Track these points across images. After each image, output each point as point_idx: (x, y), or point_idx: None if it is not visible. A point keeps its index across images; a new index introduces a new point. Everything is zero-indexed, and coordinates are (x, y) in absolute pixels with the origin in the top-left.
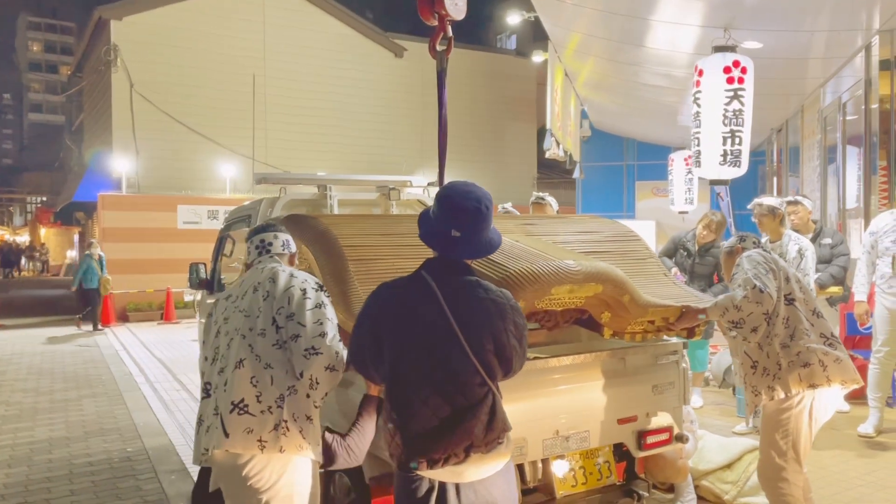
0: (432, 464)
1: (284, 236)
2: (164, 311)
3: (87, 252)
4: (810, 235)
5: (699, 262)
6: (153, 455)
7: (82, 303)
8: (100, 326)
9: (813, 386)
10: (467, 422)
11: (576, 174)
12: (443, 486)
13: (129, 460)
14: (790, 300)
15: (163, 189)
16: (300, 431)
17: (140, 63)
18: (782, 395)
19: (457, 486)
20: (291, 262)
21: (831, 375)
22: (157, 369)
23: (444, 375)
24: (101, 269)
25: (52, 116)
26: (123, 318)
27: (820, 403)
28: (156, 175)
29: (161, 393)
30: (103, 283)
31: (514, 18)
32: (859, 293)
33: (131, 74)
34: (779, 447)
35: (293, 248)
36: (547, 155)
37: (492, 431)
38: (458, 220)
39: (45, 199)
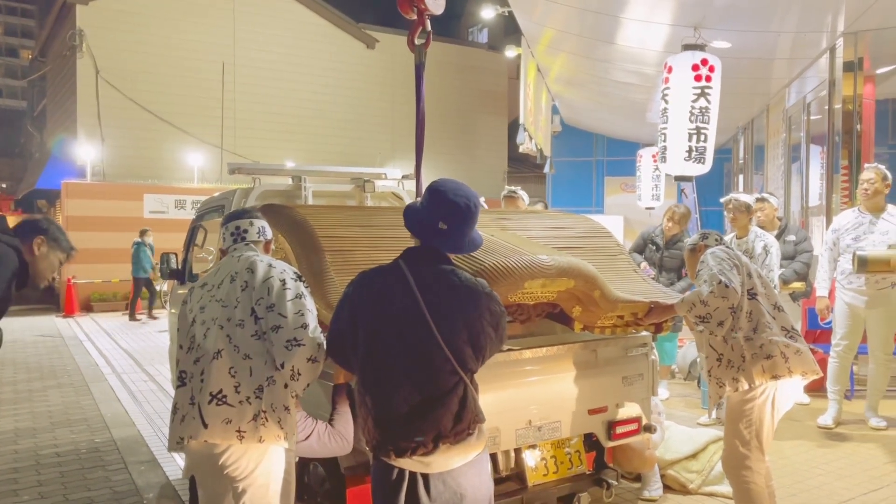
0: (400, 452)
1: (260, 223)
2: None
3: (138, 240)
4: (775, 232)
5: (667, 254)
6: (122, 446)
7: (134, 291)
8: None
9: (776, 377)
10: (436, 411)
11: (546, 169)
12: (413, 475)
13: (97, 451)
14: (752, 294)
15: (129, 178)
16: (278, 422)
17: (106, 49)
18: (746, 387)
19: (426, 477)
20: (267, 250)
21: (792, 367)
22: (123, 360)
23: (415, 363)
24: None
25: (12, 101)
26: (87, 308)
27: (782, 394)
28: (122, 163)
29: (128, 384)
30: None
31: (487, 12)
32: (821, 289)
33: (97, 60)
34: (743, 437)
35: (269, 234)
36: (520, 149)
37: (461, 422)
38: (446, 213)
39: (4, 186)
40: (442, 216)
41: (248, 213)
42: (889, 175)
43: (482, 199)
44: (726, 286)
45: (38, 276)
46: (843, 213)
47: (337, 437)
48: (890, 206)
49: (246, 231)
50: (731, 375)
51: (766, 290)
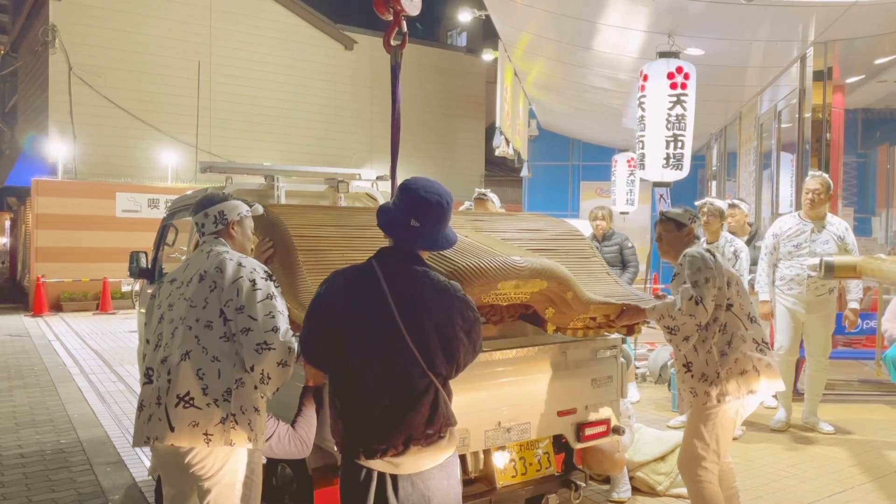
0: (370, 454)
1: (216, 210)
2: (100, 300)
3: None
4: (745, 238)
5: (606, 251)
6: (88, 447)
7: None
8: None
9: (751, 392)
10: (407, 413)
11: (524, 172)
12: (382, 476)
13: (62, 452)
14: (729, 306)
15: (101, 176)
16: (248, 423)
17: (79, 45)
18: (716, 402)
19: (395, 478)
20: (231, 234)
21: (764, 380)
22: (92, 360)
23: (383, 364)
24: None
25: None
26: (57, 307)
27: (748, 404)
28: (94, 161)
29: (96, 384)
30: None
31: (465, 16)
32: (763, 293)
33: (70, 56)
34: (703, 438)
35: (228, 217)
36: (497, 153)
37: (432, 425)
38: (418, 210)
39: None
40: (414, 214)
41: (202, 204)
42: (832, 184)
43: (469, 204)
44: (696, 304)
45: None
46: (783, 219)
47: (296, 441)
48: (830, 216)
49: (203, 225)
50: (704, 389)
51: (741, 298)
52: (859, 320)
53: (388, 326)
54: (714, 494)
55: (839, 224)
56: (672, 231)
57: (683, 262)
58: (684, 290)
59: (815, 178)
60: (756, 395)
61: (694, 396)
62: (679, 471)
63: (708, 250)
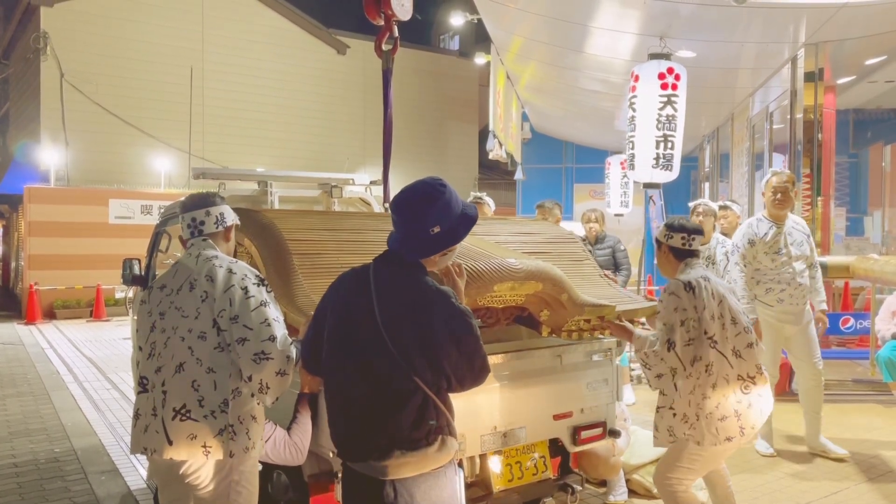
0: (356, 456)
1: (218, 210)
2: (93, 308)
3: None
4: None
5: (598, 254)
6: (82, 456)
7: None
8: None
9: (728, 439)
10: (390, 414)
11: (517, 175)
12: (371, 480)
13: (56, 461)
14: (713, 344)
15: (94, 182)
16: (246, 433)
17: (71, 52)
18: (695, 445)
19: (381, 482)
20: (227, 238)
21: (744, 424)
22: (86, 368)
23: (367, 366)
24: None
25: None
26: (50, 315)
27: (728, 447)
28: (86, 168)
29: (90, 392)
30: None
31: (457, 20)
32: (751, 311)
33: (61, 63)
34: (685, 465)
35: (229, 221)
36: (490, 156)
37: (417, 430)
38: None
39: None
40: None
41: (204, 202)
42: (796, 179)
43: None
44: (668, 350)
45: None
46: (754, 223)
47: (291, 448)
48: (790, 215)
49: (203, 223)
50: (683, 430)
51: (727, 332)
52: (852, 320)
53: (370, 327)
54: (690, 500)
55: (802, 222)
56: (657, 249)
57: (664, 297)
58: (660, 331)
59: (782, 174)
60: (733, 442)
61: (670, 436)
62: (654, 482)
63: (704, 277)
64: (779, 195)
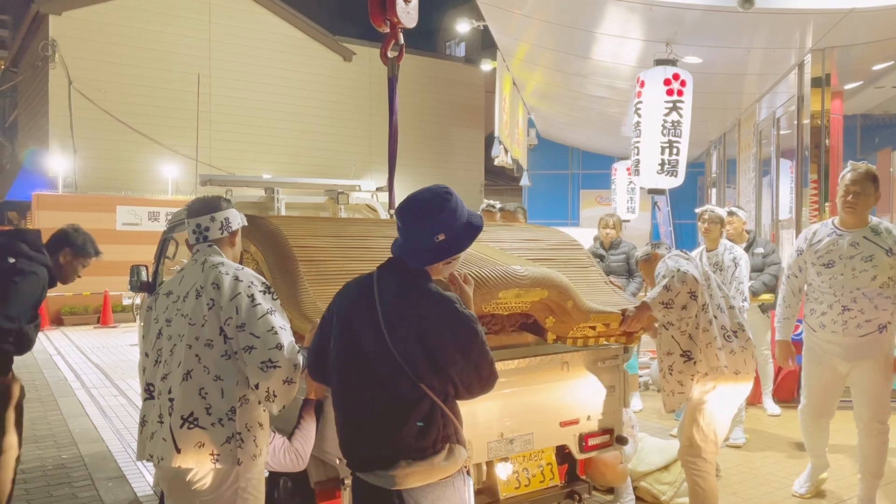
0: (362, 465)
1: (223, 215)
2: (101, 314)
3: None
4: (744, 245)
5: (613, 259)
6: (89, 462)
7: None
8: None
9: (737, 373)
10: (395, 422)
11: (523, 181)
12: (379, 490)
13: (63, 467)
14: (704, 308)
15: (101, 189)
16: (254, 440)
17: (79, 59)
18: (693, 385)
19: (389, 493)
20: (233, 243)
21: (728, 368)
22: (93, 374)
23: (371, 372)
24: None
25: None
26: (58, 321)
27: (730, 392)
28: (94, 175)
29: (98, 399)
30: None
31: (463, 26)
32: (782, 331)
33: (70, 71)
34: (701, 430)
35: (234, 225)
36: (496, 162)
37: (424, 439)
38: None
39: None
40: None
41: (209, 206)
42: (878, 176)
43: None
44: (684, 273)
45: (63, 279)
46: (814, 228)
47: (292, 454)
48: (875, 220)
49: (207, 229)
50: (690, 372)
51: (710, 297)
52: None
53: (374, 333)
54: (713, 488)
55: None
56: (645, 267)
57: (663, 261)
58: (668, 270)
59: (857, 168)
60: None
61: (681, 386)
62: (681, 464)
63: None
64: (850, 196)
